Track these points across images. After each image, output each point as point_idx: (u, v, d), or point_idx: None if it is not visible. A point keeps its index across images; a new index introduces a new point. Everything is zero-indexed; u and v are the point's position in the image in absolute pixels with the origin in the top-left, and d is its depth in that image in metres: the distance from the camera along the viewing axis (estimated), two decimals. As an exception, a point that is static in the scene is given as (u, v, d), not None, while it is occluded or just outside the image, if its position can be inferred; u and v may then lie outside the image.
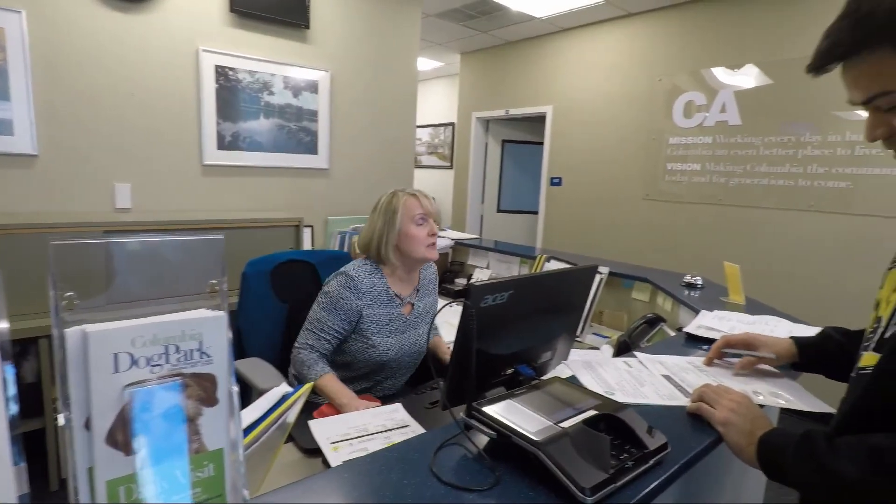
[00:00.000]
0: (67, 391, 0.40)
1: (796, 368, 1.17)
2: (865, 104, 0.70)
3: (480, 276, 3.08)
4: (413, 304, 1.66)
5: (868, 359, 0.76)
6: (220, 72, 2.82)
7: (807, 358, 1.13)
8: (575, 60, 4.66)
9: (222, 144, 2.89)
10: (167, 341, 0.44)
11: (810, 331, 1.30)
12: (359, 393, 1.60)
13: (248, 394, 1.48)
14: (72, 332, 0.40)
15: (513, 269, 3.00)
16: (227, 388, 0.47)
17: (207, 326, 0.45)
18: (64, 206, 2.48)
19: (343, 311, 1.52)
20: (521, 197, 5.92)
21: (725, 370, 1.21)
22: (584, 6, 4.04)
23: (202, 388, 0.46)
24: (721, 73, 3.69)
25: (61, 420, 0.39)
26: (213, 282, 0.47)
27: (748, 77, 3.56)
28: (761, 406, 0.95)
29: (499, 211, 5.97)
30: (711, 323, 1.52)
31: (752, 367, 1.19)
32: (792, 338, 1.17)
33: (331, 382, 1.46)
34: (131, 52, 2.56)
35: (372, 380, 1.62)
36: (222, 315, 0.46)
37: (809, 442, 0.71)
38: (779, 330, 1.48)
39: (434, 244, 1.60)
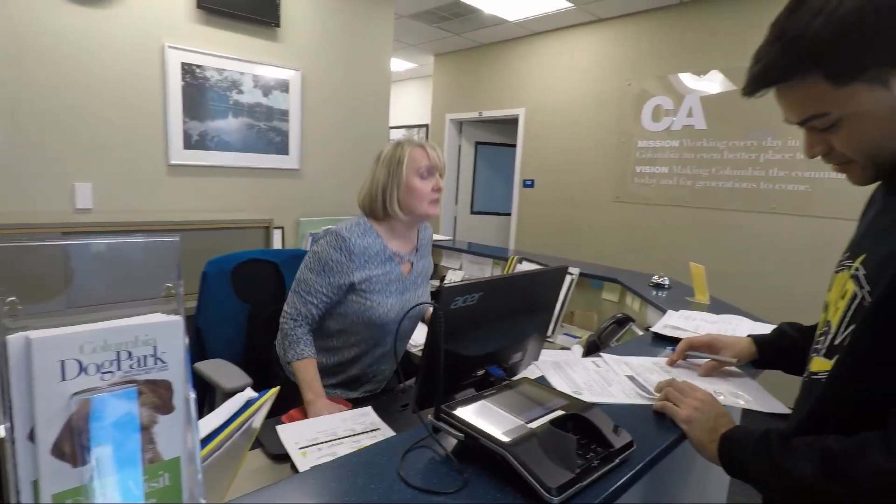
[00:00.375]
0: (9, 400, 0.38)
1: (756, 366, 1.21)
2: (801, 124, 0.73)
3: (453, 277, 3.08)
4: (412, 263, 1.57)
5: (819, 364, 0.78)
6: (187, 69, 2.75)
7: (765, 355, 1.17)
8: (547, 64, 4.71)
9: (189, 143, 2.82)
10: (119, 347, 0.42)
11: (769, 329, 1.33)
12: (356, 361, 1.53)
13: (212, 395, 1.45)
14: (14, 339, 0.38)
15: (485, 270, 3.01)
16: (184, 395, 0.45)
17: (162, 331, 0.44)
18: (20, 206, 2.38)
19: (332, 275, 1.42)
20: (494, 199, 5.95)
21: (688, 370, 1.23)
22: (554, 11, 4.09)
23: (157, 396, 0.44)
24: (687, 79, 3.78)
25: (1, 431, 0.37)
26: (169, 285, 0.46)
27: (713, 83, 3.66)
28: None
29: (472, 213, 5.99)
30: (677, 322, 1.55)
31: (716, 372, 1.21)
32: (750, 336, 1.20)
33: (306, 369, 1.40)
34: (93, 46, 2.48)
35: (370, 345, 1.53)
36: (178, 319, 0.45)
37: (767, 441, 0.73)
38: (740, 329, 1.52)
39: (437, 200, 1.49)
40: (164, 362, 0.44)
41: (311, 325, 1.48)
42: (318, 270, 1.43)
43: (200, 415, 0.74)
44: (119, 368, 0.42)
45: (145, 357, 0.44)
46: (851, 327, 0.70)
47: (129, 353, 0.43)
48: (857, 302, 0.70)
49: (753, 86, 0.72)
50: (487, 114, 5.26)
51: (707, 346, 1.22)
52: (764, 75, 0.70)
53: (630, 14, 4.08)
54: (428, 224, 1.67)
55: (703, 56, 3.70)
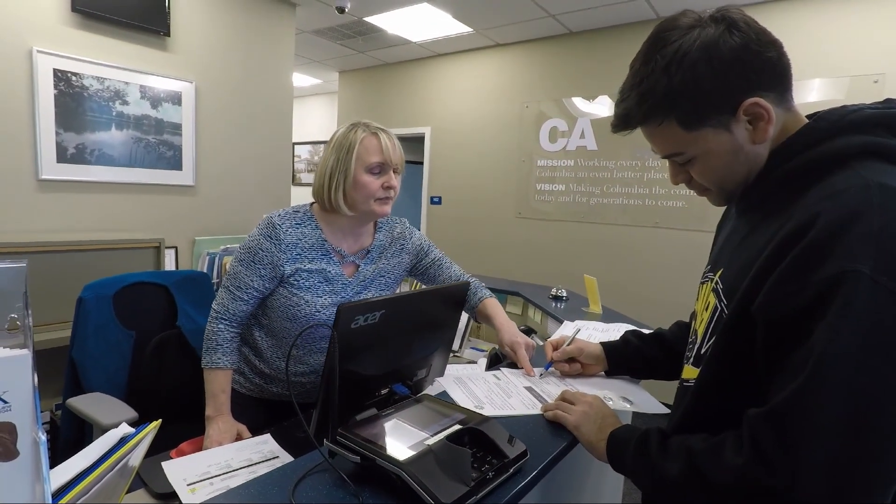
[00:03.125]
0: None
1: (607, 374, 1.29)
2: (664, 158, 0.82)
3: (361, 295, 3.04)
4: (359, 266, 1.40)
5: (688, 371, 0.85)
6: (61, 76, 2.51)
7: (612, 362, 1.26)
8: (450, 84, 4.85)
9: (63, 157, 2.56)
10: (-55, 389, 0.37)
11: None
12: (293, 368, 1.38)
13: (89, 432, 1.32)
14: None
15: (393, 287, 3.00)
16: (32, 438, 0.41)
17: (3, 368, 0.39)
18: None
19: (262, 265, 1.28)
20: (403, 215, 5.88)
21: (582, 378, 1.30)
22: (455, 34, 4.23)
23: (-2, 441, 0.39)
24: (580, 102, 4.06)
25: None
26: (14, 316, 0.41)
27: (602, 106, 3.95)
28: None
29: (381, 229, 5.95)
30: (572, 332, 1.64)
31: (576, 371, 1.30)
32: (601, 343, 1.29)
33: (215, 380, 1.28)
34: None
35: (305, 351, 1.38)
36: (24, 354, 0.40)
37: (647, 439, 0.78)
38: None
39: (388, 198, 1.34)
40: (5, 402, 0.40)
41: (238, 326, 1.34)
42: (247, 262, 1.29)
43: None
44: (-53, 413, 0.37)
45: (-18, 398, 0.39)
46: (714, 338, 0.77)
47: (-39, 395, 0.38)
48: (717, 314, 0.77)
49: (620, 126, 0.81)
50: (394, 131, 5.21)
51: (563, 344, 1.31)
52: (626, 118, 0.79)
53: (526, 41, 4.32)
54: (399, 220, 1.54)
55: (592, 81, 3.99)
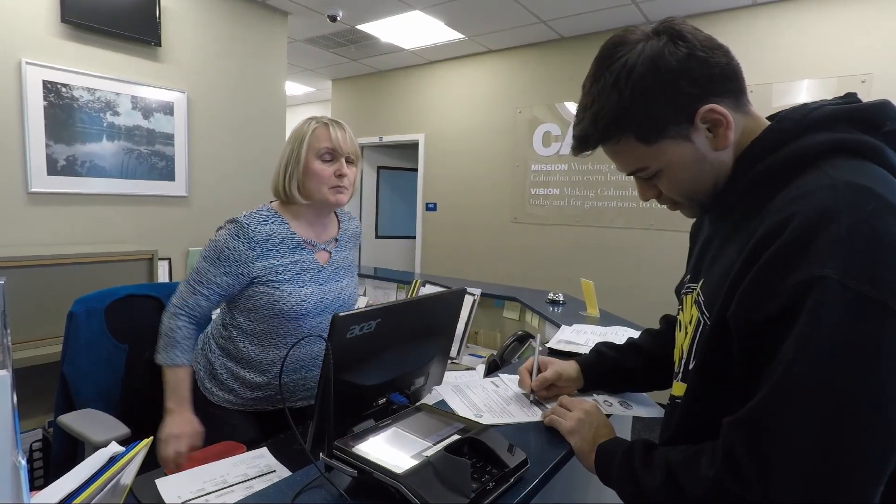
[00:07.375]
0: None
1: (581, 391, 1.18)
2: (630, 175, 0.80)
3: (359, 303, 3.02)
4: (331, 253, 1.42)
5: (677, 388, 0.83)
6: (50, 88, 2.49)
7: (588, 379, 1.16)
8: (443, 91, 4.85)
9: (54, 169, 2.54)
10: (-81, 414, 0.35)
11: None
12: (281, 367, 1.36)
13: (82, 449, 1.30)
14: None
15: (390, 294, 2.99)
16: (11, 463, 0.39)
17: (-19, 390, 0.38)
18: None
19: (229, 263, 1.28)
20: (398, 222, 5.95)
21: None
22: (447, 41, 4.24)
23: (-24, 466, 0.37)
24: (571, 107, 4.07)
25: None
26: (-7, 335, 0.39)
27: (595, 111, 3.96)
28: (609, 415, 1.01)
29: (377, 237, 5.94)
30: (570, 337, 1.63)
31: (555, 395, 1.15)
32: (575, 360, 1.19)
33: (174, 375, 1.29)
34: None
35: (297, 346, 1.37)
36: (2, 375, 0.39)
37: (631, 452, 0.76)
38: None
39: (342, 187, 1.34)
40: (-17, 426, 0.38)
41: (196, 323, 1.34)
42: (213, 259, 1.30)
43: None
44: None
45: (-41, 422, 0.37)
46: (698, 352, 0.75)
47: (-65, 420, 0.36)
48: (701, 328, 0.75)
49: (578, 148, 0.79)
50: (388, 139, 5.29)
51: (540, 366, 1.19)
52: (584, 140, 0.77)
53: (517, 47, 4.33)
54: (355, 217, 1.57)
55: (585, 86, 4.00)
